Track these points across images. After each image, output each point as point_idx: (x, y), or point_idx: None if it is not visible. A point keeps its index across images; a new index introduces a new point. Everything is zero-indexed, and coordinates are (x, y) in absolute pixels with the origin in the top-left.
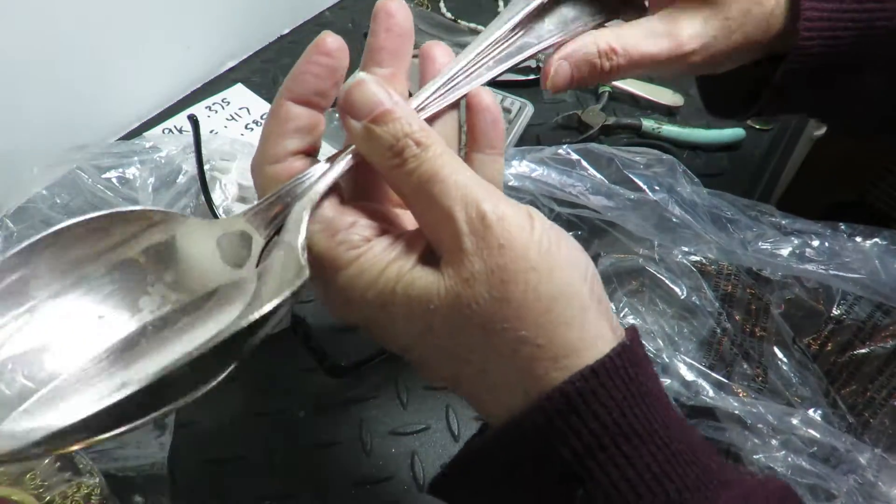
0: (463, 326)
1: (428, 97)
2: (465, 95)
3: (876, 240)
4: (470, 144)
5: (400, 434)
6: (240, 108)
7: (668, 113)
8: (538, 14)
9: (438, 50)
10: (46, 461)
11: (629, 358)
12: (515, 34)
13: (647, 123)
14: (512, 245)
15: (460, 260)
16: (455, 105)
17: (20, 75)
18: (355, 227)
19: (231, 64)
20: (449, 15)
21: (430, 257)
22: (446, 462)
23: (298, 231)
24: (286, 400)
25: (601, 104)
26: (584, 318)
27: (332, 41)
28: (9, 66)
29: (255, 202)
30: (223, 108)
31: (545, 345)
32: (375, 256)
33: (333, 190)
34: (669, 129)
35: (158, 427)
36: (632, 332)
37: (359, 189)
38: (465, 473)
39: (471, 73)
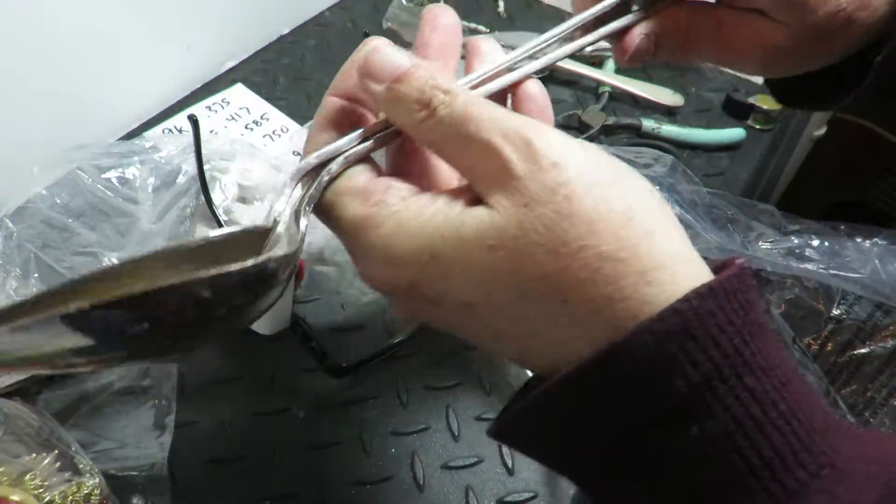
0: (531, 258)
1: (470, 80)
2: (511, 85)
3: (876, 240)
4: None
5: (400, 434)
6: (240, 108)
7: (668, 113)
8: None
9: (486, 44)
10: (47, 461)
11: (745, 282)
12: (572, 33)
13: (647, 123)
14: (567, 162)
15: (514, 187)
16: (501, 96)
17: (20, 75)
18: (391, 190)
19: (231, 64)
20: None
21: (477, 203)
22: (514, 393)
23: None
24: (286, 400)
25: (601, 104)
26: (667, 228)
27: (379, 41)
28: (9, 66)
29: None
30: (223, 108)
31: (629, 258)
32: (417, 208)
33: (366, 163)
34: (669, 129)
35: (158, 427)
36: (741, 260)
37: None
38: (544, 413)
39: (517, 66)
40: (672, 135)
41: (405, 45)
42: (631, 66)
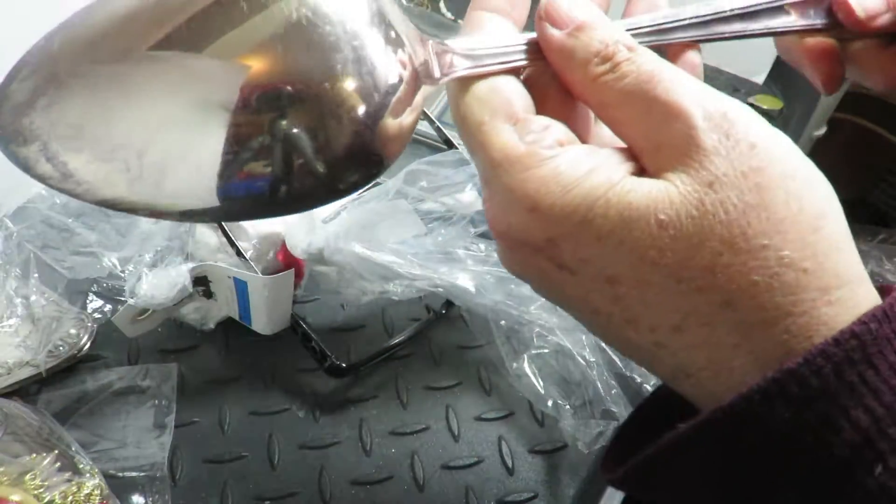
0: (704, 244)
1: (632, 26)
2: (670, 46)
3: (876, 240)
4: None
5: (400, 434)
6: None
7: None
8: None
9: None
10: (47, 461)
11: None
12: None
13: None
14: (766, 145)
15: (699, 160)
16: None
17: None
18: (551, 129)
19: None
20: (449, 15)
21: (644, 175)
22: (623, 424)
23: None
24: (286, 400)
25: None
26: (852, 246)
27: None
28: (9, 67)
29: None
30: None
31: (814, 270)
32: (577, 158)
33: (524, 85)
34: None
35: (158, 427)
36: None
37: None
38: (699, 451)
39: (690, 25)
40: None
41: None
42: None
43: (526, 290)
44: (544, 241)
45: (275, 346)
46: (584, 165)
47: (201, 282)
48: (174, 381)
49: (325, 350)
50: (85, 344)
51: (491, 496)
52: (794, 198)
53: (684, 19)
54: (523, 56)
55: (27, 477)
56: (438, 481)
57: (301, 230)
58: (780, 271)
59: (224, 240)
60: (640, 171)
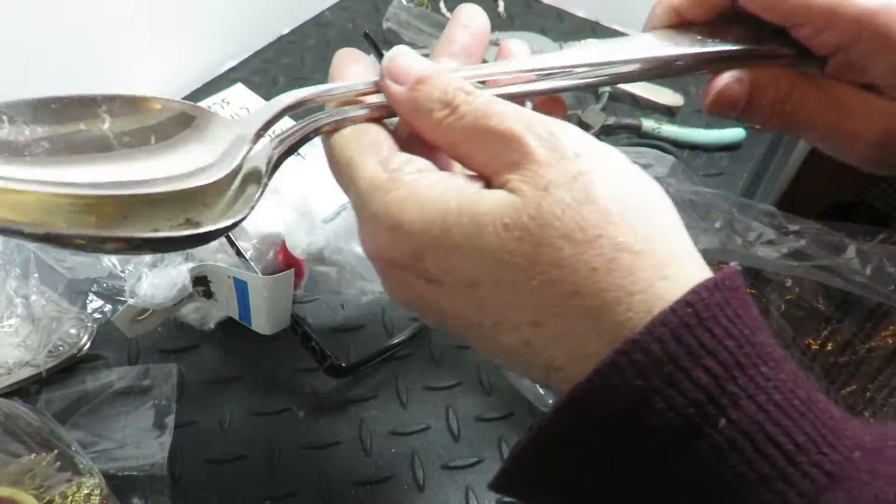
0: (546, 241)
1: (493, 73)
2: (539, 97)
3: (876, 240)
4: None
5: (400, 434)
6: (240, 108)
7: (668, 113)
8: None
9: (517, 47)
10: (47, 461)
11: (741, 283)
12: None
13: (647, 123)
14: (589, 153)
15: (534, 171)
16: (522, 101)
17: (20, 75)
18: (411, 162)
19: (231, 64)
20: (449, 15)
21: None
22: (528, 434)
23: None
24: (286, 400)
25: (601, 104)
26: (680, 228)
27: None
28: (9, 67)
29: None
30: (223, 108)
31: (646, 251)
32: (433, 180)
33: (387, 130)
34: (669, 129)
35: (158, 427)
36: (734, 265)
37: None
38: (566, 431)
39: (548, 76)
40: (672, 135)
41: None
42: (714, 113)
43: None
44: (410, 257)
45: (275, 346)
46: (439, 185)
47: (201, 282)
48: (174, 381)
49: (325, 350)
50: (85, 344)
51: (491, 496)
52: (621, 191)
53: (543, 69)
54: (377, 110)
55: (27, 477)
56: (438, 481)
57: (301, 230)
58: (615, 256)
59: (224, 240)
60: (489, 187)
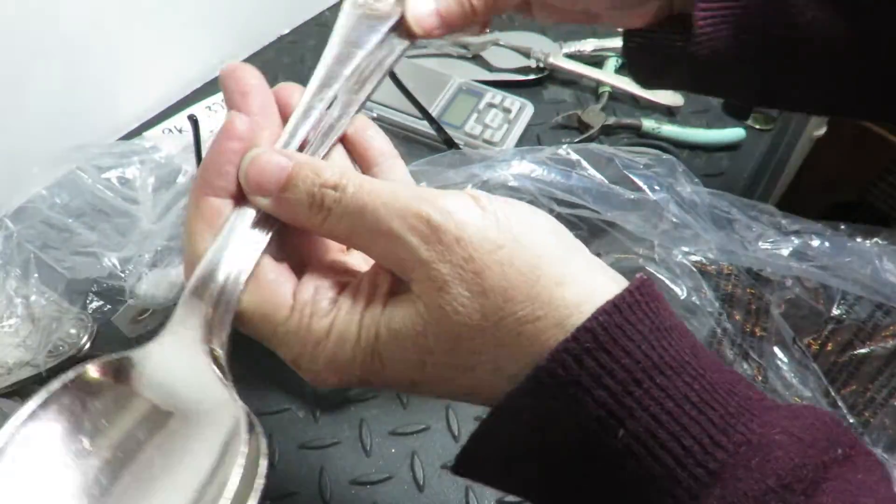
0: (458, 335)
1: (307, 135)
2: (342, 136)
3: (876, 240)
4: (365, 165)
5: (400, 434)
6: None
7: (668, 113)
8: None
9: (295, 93)
10: None
11: (648, 293)
12: (363, 54)
13: (647, 123)
14: (468, 234)
15: (425, 272)
16: (340, 138)
17: (20, 75)
18: (319, 293)
19: None
20: None
21: (400, 287)
22: (468, 439)
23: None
24: (286, 400)
25: (601, 104)
26: (575, 271)
27: (240, 123)
28: (9, 67)
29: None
30: (223, 108)
31: (546, 314)
32: (348, 315)
33: (270, 261)
34: (669, 129)
35: None
36: (641, 275)
37: (290, 246)
38: (490, 443)
39: (342, 104)
40: (672, 135)
41: None
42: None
43: None
44: (356, 381)
45: None
46: (355, 317)
47: None
48: None
49: None
50: (85, 344)
51: (491, 496)
52: (508, 265)
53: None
54: (265, 231)
55: None
56: (438, 481)
57: None
58: (521, 329)
59: None
60: (396, 282)
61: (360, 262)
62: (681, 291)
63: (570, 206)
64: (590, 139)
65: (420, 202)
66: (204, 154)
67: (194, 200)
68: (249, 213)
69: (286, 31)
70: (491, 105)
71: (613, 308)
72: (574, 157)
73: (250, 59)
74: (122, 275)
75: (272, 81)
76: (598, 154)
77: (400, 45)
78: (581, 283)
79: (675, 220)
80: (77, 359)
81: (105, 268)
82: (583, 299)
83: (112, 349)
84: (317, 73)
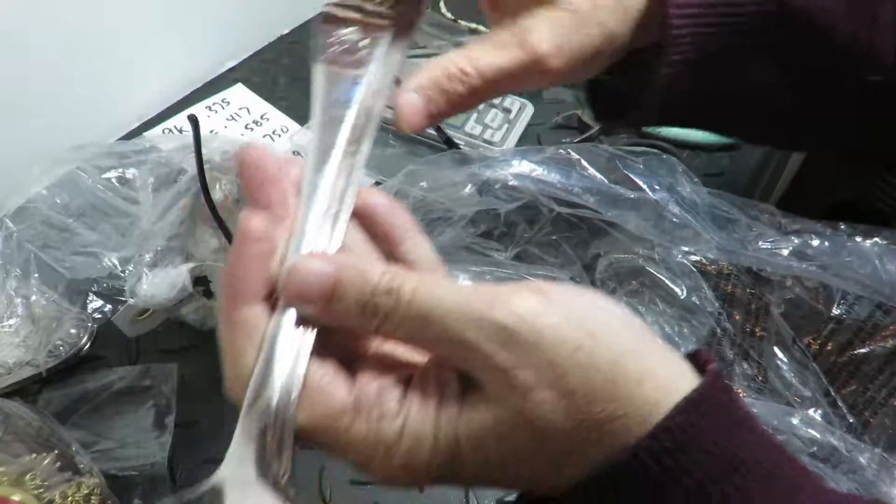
0: (544, 439)
1: (319, 226)
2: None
3: (876, 240)
4: (388, 244)
5: None
6: (240, 108)
7: None
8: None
9: (294, 169)
10: (47, 461)
11: (720, 386)
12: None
13: None
14: (543, 336)
15: (505, 379)
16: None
17: (20, 75)
18: (384, 394)
19: (231, 64)
20: (449, 15)
21: (470, 382)
22: None
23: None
24: None
25: None
26: (652, 365)
27: (258, 223)
28: (9, 67)
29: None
30: (223, 108)
31: (627, 412)
32: (419, 416)
33: (320, 361)
34: (669, 129)
35: (158, 427)
36: (706, 355)
37: (334, 338)
38: None
39: (346, 172)
40: (672, 135)
41: None
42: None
43: None
44: (436, 481)
45: None
46: (429, 417)
47: (201, 282)
48: (174, 381)
49: None
50: (85, 344)
51: (491, 496)
52: (587, 366)
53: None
54: (308, 331)
55: (27, 477)
56: None
57: None
58: (603, 429)
59: (224, 240)
60: (466, 379)
61: (413, 350)
62: (680, 291)
63: (570, 206)
64: (590, 139)
65: (492, 309)
66: (204, 154)
67: (226, 317)
68: (289, 317)
69: (286, 31)
70: (491, 105)
71: (690, 405)
72: (574, 157)
73: (250, 59)
74: (122, 275)
75: (272, 81)
76: (598, 154)
77: (387, 89)
78: (659, 378)
79: (675, 219)
80: (77, 359)
81: (105, 268)
82: (660, 396)
83: (112, 349)
84: (311, 148)
